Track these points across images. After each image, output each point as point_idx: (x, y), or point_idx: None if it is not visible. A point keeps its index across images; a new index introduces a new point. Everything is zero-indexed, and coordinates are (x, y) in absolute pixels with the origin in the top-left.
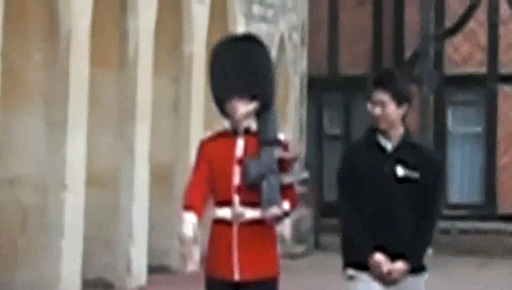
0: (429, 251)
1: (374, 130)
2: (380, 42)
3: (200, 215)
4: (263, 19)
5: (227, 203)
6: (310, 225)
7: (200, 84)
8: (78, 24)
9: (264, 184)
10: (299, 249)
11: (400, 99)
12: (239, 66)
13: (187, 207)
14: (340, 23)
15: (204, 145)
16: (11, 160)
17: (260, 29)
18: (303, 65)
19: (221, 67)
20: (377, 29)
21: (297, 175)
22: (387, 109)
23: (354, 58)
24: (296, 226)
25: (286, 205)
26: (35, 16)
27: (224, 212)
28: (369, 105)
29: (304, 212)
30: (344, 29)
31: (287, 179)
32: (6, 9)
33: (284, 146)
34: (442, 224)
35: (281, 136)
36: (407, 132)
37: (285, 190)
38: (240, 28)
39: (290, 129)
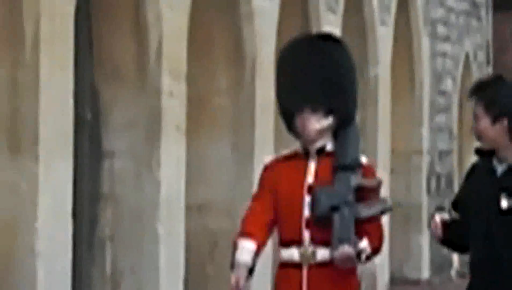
0: None
1: (490, 152)
2: None
3: (260, 245)
4: (447, 39)
5: (295, 241)
6: None
7: (387, 108)
8: (263, 49)
9: (336, 218)
10: None
11: (497, 112)
12: (313, 72)
13: (245, 234)
14: None
15: (267, 170)
16: (199, 186)
17: (444, 49)
18: None
19: (290, 73)
20: None
21: (378, 206)
22: (480, 123)
23: None
24: None
25: (363, 243)
26: (220, 42)
27: (292, 253)
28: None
29: None
30: None
31: (365, 211)
32: (192, 35)
33: (366, 171)
34: None
35: (363, 159)
36: None
37: (365, 225)
38: (425, 49)
39: None
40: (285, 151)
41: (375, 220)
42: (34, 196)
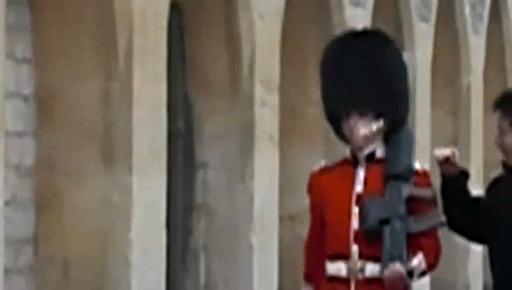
0: None
1: None
2: None
3: (318, 286)
4: None
5: (343, 255)
6: None
7: (479, 118)
8: None
9: (386, 232)
10: None
11: None
12: (360, 72)
13: (306, 279)
14: None
15: (313, 180)
16: (292, 196)
17: None
18: None
19: (336, 74)
20: None
21: (431, 220)
22: (505, 137)
23: None
24: None
25: (416, 260)
26: (313, 51)
27: (339, 267)
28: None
29: None
30: None
31: (418, 226)
32: (284, 45)
33: (420, 179)
34: None
35: (417, 166)
36: None
37: (420, 239)
38: None
39: None
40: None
41: (431, 233)
42: (127, 208)
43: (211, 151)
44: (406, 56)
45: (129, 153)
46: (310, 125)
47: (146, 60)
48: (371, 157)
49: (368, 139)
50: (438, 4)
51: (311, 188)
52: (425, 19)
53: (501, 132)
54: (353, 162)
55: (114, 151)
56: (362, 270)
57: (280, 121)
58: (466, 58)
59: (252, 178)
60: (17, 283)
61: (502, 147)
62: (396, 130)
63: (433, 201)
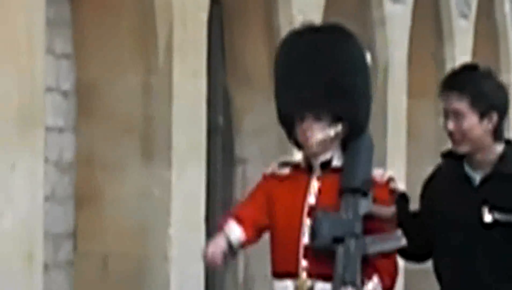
0: None
1: (459, 156)
2: None
3: (248, 240)
4: None
5: (291, 273)
6: None
7: None
8: (395, 56)
9: (339, 252)
10: None
11: (485, 106)
12: (317, 71)
13: (231, 217)
14: None
15: (267, 179)
16: None
17: None
18: None
19: (289, 72)
20: None
21: (391, 242)
22: (464, 122)
23: None
24: None
25: (371, 284)
26: None
27: (286, 286)
28: (440, 119)
29: None
30: None
31: (375, 247)
32: None
33: (381, 194)
34: None
35: (377, 176)
36: (503, 157)
37: (375, 261)
38: None
39: None
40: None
41: (388, 255)
42: (167, 203)
43: (250, 146)
44: (446, 52)
45: (168, 148)
46: None
47: (186, 55)
48: (326, 165)
49: (324, 145)
50: (478, 1)
51: (261, 186)
52: (464, 16)
53: (457, 116)
54: (307, 170)
55: (153, 146)
56: (311, 289)
57: None
58: (505, 55)
59: None
60: (57, 278)
61: (460, 133)
62: (355, 136)
63: (393, 220)
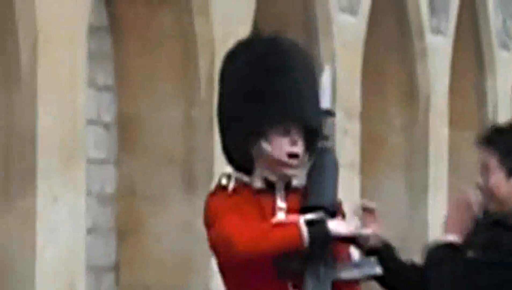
0: None
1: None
2: None
3: None
4: None
5: None
6: None
7: None
8: (436, 87)
9: (308, 281)
10: None
11: None
12: (309, 80)
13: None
14: None
15: (218, 201)
16: None
17: None
18: None
19: (278, 82)
20: None
21: (364, 268)
22: (491, 178)
23: None
24: None
25: None
26: (393, 80)
27: None
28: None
29: None
30: None
31: (347, 273)
32: (365, 73)
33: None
34: None
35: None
36: None
37: (344, 288)
38: None
39: None
40: (223, 180)
41: (356, 283)
42: None
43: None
44: (488, 83)
45: (210, 179)
46: (391, 153)
47: None
48: (288, 184)
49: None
50: None
51: (221, 207)
52: (506, 46)
53: (486, 172)
54: (265, 190)
55: (195, 177)
56: None
57: (361, 148)
58: None
59: None
60: None
61: (487, 190)
62: (314, 150)
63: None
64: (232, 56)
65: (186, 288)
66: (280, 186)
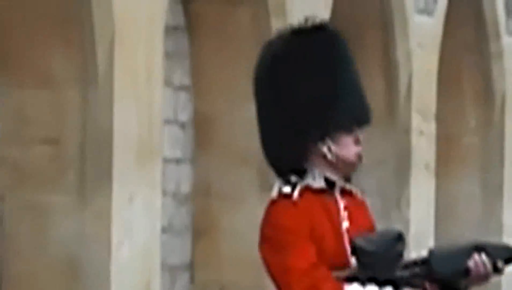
0: None
1: None
2: None
3: None
4: None
5: None
6: None
7: None
8: (511, 86)
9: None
10: None
11: None
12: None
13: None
14: None
15: (300, 211)
16: (448, 224)
17: None
18: None
19: (350, 75)
20: None
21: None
22: None
23: None
24: None
25: None
26: (469, 80)
27: None
28: None
29: None
30: None
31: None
32: (441, 74)
33: None
34: None
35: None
36: None
37: None
38: None
39: None
40: (293, 178)
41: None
42: None
43: (367, 177)
44: None
45: None
46: (466, 153)
47: None
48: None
49: None
50: None
51: (300, 225)
52: None
53: None
54: (328, 190)
55: (271, 176)
56: None
57: (437, 149)
58: None
59: (408, 206)
60: None
61: None
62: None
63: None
64: (278, 58)
65: (261, 287)
66: (339, 185)
